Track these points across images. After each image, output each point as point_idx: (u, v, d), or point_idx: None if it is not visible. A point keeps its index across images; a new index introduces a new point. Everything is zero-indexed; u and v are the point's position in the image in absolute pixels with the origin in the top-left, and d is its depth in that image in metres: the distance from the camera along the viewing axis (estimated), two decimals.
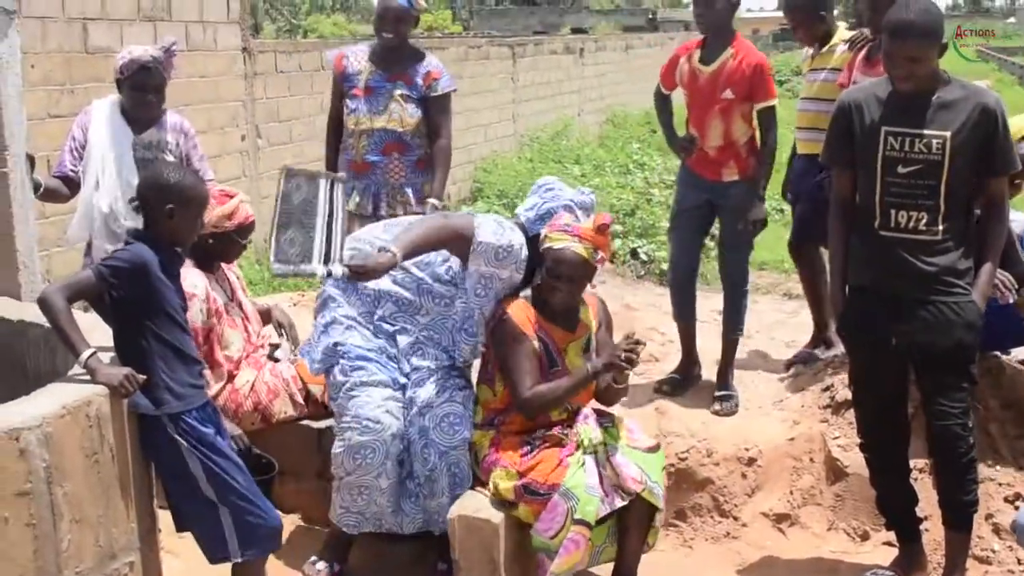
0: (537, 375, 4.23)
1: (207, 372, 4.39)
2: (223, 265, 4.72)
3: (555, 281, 4.25)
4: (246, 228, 4.61)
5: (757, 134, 5.48)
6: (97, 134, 4.90)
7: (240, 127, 9.21)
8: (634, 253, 9.42)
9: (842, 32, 5.89)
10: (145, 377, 3.42)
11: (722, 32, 5.43)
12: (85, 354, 3.34)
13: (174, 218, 3.54)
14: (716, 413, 5.48)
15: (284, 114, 9.92)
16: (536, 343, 4.28)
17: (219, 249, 4.59)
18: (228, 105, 9.07)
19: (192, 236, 3.72)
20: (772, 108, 5.39)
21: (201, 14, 8.73)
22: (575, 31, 32.08)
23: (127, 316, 3.54)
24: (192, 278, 4.44)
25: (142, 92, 4.95)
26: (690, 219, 5.66)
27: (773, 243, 9.63)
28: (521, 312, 4.31)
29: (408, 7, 5.49)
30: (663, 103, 5.83)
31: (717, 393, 5.59)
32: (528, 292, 4.45)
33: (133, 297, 3.50)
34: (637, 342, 4.04)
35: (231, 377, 4.61)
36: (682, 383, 5.76)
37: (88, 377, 3.35)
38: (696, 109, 5.50)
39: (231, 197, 4.59)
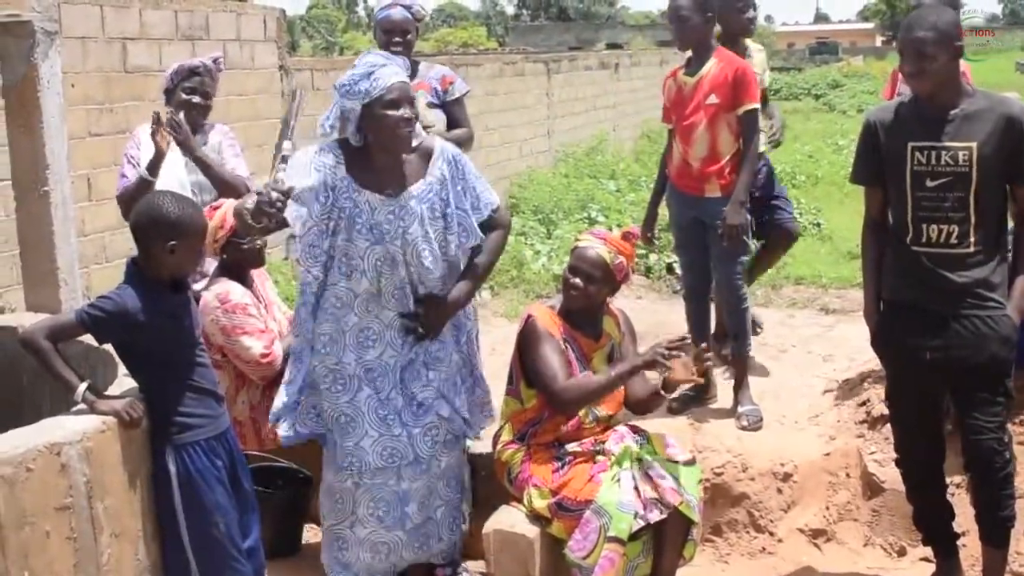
0: (568, 371, 4.25)
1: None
2: (255, 280, 4.76)
3: (572, 277, 4.32)
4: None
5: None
6: (150, 153, 4.98)
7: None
8: (669, 268, 9.37)
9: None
10: (143, 406, 3.39)
11: (703, 48, 5.51)
12: (80, 389, 3.31)
13: (176, 253, 3.46)
14: (742, 429, 5.46)
15: (320, 130, 9.96)
16: (563, 344, 4.31)
17: (234, 258, 4.62)
18: (265, 123, 9.14)
19: (194, 265, 3.65)
20: (755, 111, 5.44)
21: (238, 33, 8.82)
22: (610, 46, 32.15)
23: (120, 352, 3.55)
24: (235, 291, 4.51)
25: (191, 94, 5.07)
26: (687, 236, 5.69)
27: (810, 257, 9.61)
28: (546, 316, 4.36)
29: (410, 17, 5.52)
30: (669, 150, 5.78)
31: (738, 410, 5.59)
32: (554, 302, 4.48)
33: (116, 343, 3.50)
34: (683, 339, 4.04)
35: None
36: (695, 400, 5.75)
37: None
38: (683, 120, 5.52)
39: (218, 209, 4.65)
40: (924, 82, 3.95)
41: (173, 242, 3.44)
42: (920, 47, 3.89)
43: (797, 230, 6.66)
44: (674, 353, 3.99)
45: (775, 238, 6.46)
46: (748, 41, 6.24)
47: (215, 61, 5.21)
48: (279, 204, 3.75)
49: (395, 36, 5.49)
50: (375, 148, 3.98)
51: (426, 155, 4.09)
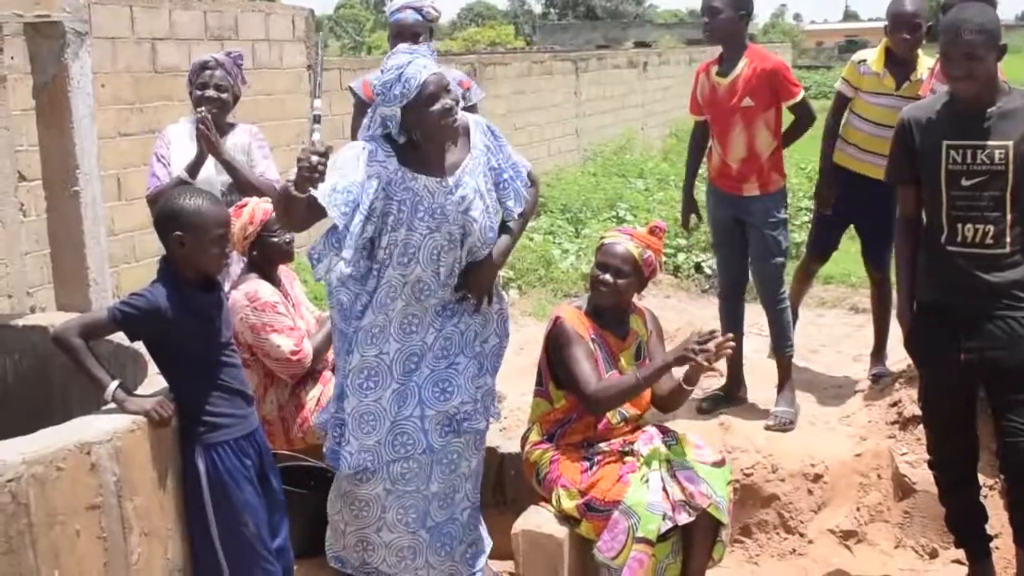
0: (598, 372, 4.23)
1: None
2: (283, 280, 4.76)
3: (602, 273, 4.31)
4: (271, 222, 4.62)
5: (781, 149, 5.49)
6: (180, 153, 5.00)
7: (306, 144, 9.29)
8: (698, 267, 9.36)
9: (925, 60, 5.70)
10: (173, 405, 3.38)
11: (734, 43, 5.42)
12: (110, 388, 3.30)
13: (185, 246, 3.43)
14: (768, 428, 5.42)
15: (349, 130, 9.97)
16: (592, 345, 4.29)
17: (264, 255, 4.62)
18: (294, 122, 9.17)
19: (213, 262, 3.53)
20: (802, 103, 5.43)
21: (267, 33, 8.85)
22: (638, 45, 32.06)
23: (151, 350, 3.55)
24: (264, 289, 4.52)
25: (203, 88, 5.07)
26: (725, 234, 5.65)
27: (840, 256, 9.51)
28: (574, 317, 4.35)
29: (422, 20, 5.47)
30: (696, 139, 5.80)
31: (772, 409, 5.55)
32: (581, 302, 4.47)
33: (149, 340, 3.50)
34: (712, 333, 4.01)
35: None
36: (725, 400, 5.71)
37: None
38: (718, 123, 5.49)
39: (244, 207, 4.66)
40: (973, 84, 3.89)
41: (179, 233, 3.43)
42: (971, 50, 3.82)
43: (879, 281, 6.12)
44: (704, 348, 3.97)
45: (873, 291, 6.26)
46: (924, 61, 5.65)
47: (229, 54, 5.19)
48: (320, 167, 3.70)
49: (406, 39, 5.41)
50: (423, 141, 3.94)
51: (464, 132, 4.06)
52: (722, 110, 5.44)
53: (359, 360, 4.02)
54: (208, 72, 5.09)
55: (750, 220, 5.46)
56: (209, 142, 4.87)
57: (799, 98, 5.40)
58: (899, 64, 5.65)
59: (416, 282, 3.98)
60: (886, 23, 5.65)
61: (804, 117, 5.46)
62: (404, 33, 5.45)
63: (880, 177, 5.59)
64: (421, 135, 3.92)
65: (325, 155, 3.72)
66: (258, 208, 4.60)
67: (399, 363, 4.03)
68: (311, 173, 3.68)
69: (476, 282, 4.07)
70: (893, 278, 6.01)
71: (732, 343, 4.04)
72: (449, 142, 4.00)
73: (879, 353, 6.11)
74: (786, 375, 5.62)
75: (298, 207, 3.81)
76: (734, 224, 5.55)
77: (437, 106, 3.84)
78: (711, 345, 3.99)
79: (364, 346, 4.02)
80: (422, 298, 4.01)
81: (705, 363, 4.01)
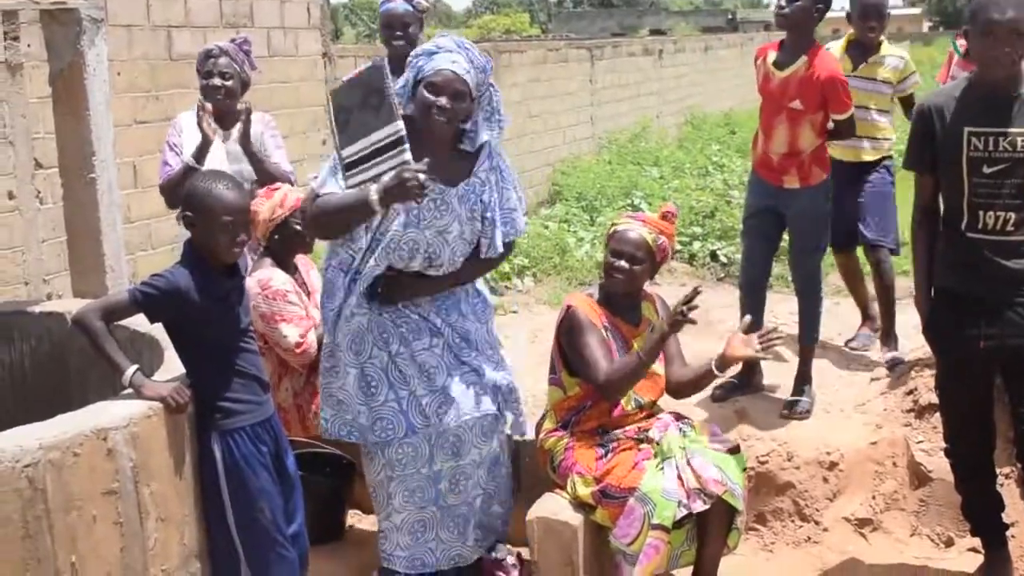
0: (611, 359, 4.23)
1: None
2: (300, 268, 4.76)
3: (616, 260, 4.29)
4: (300, 211, 4.62)
5: (826, 145, 5.41)
6: (192, 141, 5.01)
7: (321, 131, 9.30)
8: (713, 255, 9.34)
9: (888, 46, 6.09)
10: (190, 391, 3.37)
11: (801, 36, 5.27)
12: (128, 372, 3.29)
13: (196, 227, 3.45)
14: (784, 416, 5.41)
15: None
16: (604, 333, 4.29)
17: (284, 241, 4.62)
18: (309, 110, 9.17)
19: (221, 248, 3.47)
20: (847, 121, 5.30)
21: (282, 20, 8.85)
22: (654, 32, 31.98)
23: (170, 334, 3.56)
24: (277, 277, 4.52)
25: (208, 77, 5.09)
26: (758, 224, 5.57)
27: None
28: (586, 305, 4.34)
29: (411, 10, 5.44)
30: None
31: (789, 397, 5.53)
32: (593, 290, 4.46)
33: (169, 321, 3.50)
34: (695, 290, 4.02)
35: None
36: (740, 387, 5.69)
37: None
38: (766, 112, 5.42)
39: (276, 190, 4.67)
40: (1013, 66, 3.86)
41: (189, 214, 3.46)
42: (1017, 26, 3.75)
43: (878, 246, 6.17)
44: (691, 305, 3.98)
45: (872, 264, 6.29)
46: (887, 47, 6.09)
47: (234, 40, 5.20)
48: (427, 188, 3.69)
49: (396, 30, 5.39)
50: (419, 125, 3.95)
51: (474, 156, 4.07)
52: (771, 103, 5.36)
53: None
54: (212, 60, 5.11)
55: (789, 213, 5.41)
56: (205, 129, 4.88)
57: (847, 115, 5.28)
58: (859, 49, 6.08)
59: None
60: (850, 12, 6.14)
61: (846, 131, 5.36)
62: (394, 23, 5.43)
63: (859, 159, 5.68)
64: (416, 116, 3.94)
65: (426, 173, 3.71)
66: (291, 194, 4.62)
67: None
68: (420, 190, 3.68)
69: (392, 289, 4.05)
70: (894, 259, 6.21)
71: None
72: (454, 157, 4.02)
73: (888, 334, 6.12)
74: (806, 365, 5.59)
75: (365, 215, 3.85)
76: (768, 215, 5.50)
77: (432, 97, 3.85)
78: (747, 336, 4.07)
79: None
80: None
81: (735, 345, 4.09)
